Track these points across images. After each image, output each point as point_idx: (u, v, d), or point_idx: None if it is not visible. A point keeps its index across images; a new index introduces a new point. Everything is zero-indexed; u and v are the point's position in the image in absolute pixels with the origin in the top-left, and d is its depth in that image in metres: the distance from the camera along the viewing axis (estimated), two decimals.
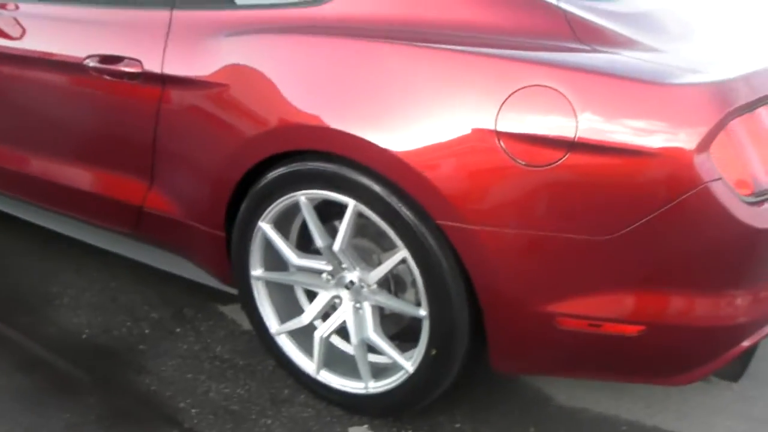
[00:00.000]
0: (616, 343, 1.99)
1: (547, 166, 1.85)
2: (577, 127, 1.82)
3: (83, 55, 2.58)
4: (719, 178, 1.79)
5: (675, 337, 1.97)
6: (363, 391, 2.35)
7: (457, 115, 1.93)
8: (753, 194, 1.86)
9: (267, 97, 2.22)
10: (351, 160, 2.09)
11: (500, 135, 1.88)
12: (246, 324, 2.81)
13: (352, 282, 2.31)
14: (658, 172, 1.79)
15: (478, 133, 1.90)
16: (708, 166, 1.78)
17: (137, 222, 2.71)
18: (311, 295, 2.49)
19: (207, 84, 2.33)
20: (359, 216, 2.17)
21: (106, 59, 2.54)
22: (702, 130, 1.76)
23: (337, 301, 2.37)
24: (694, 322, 1.93)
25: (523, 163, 1.87)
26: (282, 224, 2.37)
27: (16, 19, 2.88)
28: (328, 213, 2.31)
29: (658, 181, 1.80)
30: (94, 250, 3.09)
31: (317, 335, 2.37)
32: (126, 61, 2.49)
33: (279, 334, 2.47)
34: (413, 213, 2.04)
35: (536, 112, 1.86)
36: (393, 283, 2.30)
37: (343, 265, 2.30)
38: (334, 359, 2.45)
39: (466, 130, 1.92)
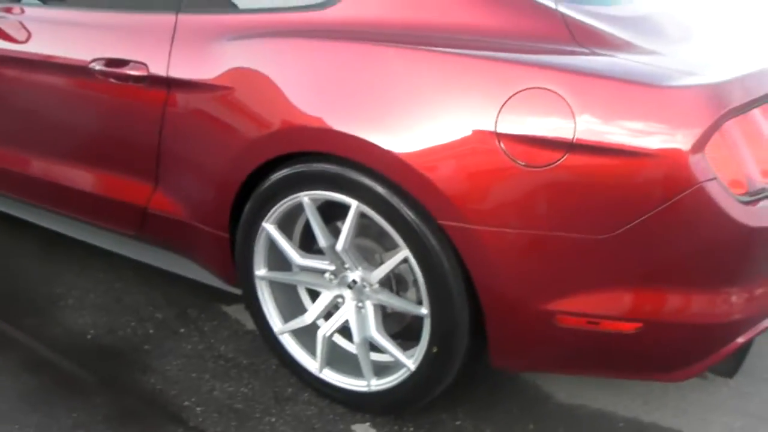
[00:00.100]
0: (614, 340, 2.00)
1: (546, 166, 1.87)
2: (575, 128, 1.84)
3: (89, 58, 2.59)
4: (714, 178, 1.81)
5: (672, 334, 1.98)
6: (365, 389, 2.37)
7: (458, 117, 1.95)
8: (747, 193, 1.88)
9: (271, 100, 2.23)
10: (354, 162, 2.11)
11: (500, 136, 1.90)
12: (249, 324, 2.83)
13: (354, 281, 2.32)
14: (654, 173, 1.81)
15: (479, 135, 1.92)
16: (703, 166, 1.79)
17: (142, 223, 2.73)
18: (314, 295, 2.50)
19: (212, 87, 2.35)
20: (362, 216, 2.18)
21: (112, 62, 2.55)
22: (697, 131, 1.78)
23: (339, 300, 2.38)
24: (691, 319, 1.95)
25: (523, 163, 1.89)
26: (285, 225, 2.39)
27: (22, 23, 2.89)
28: (331, 214, 2.32)
29: (655, 181, 1.81)
30: (98, 251, 3.10)
31: (320, 334, 2.39)
32: (132, 64, 2.51)
33: (282, 333, 2.49)
34: (415, 213, 2.06)
35: (535, 113, 1.88)
36: (395, 283, 2.32)
37: (346, 265, 2.31)
38: (337, 358, 2.46)
39: (467, 132, 1.93)
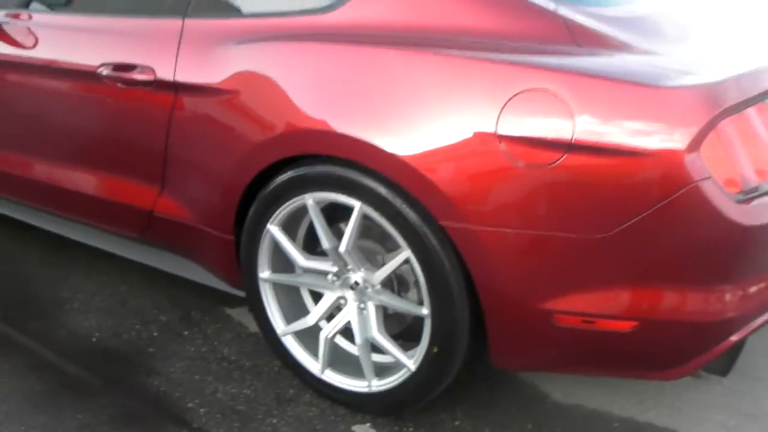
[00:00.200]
0: (610, 338, 2.02)
1: (545, 167, 1.89)
2: (574, 128, 1.86)
3: (97, 63, 2.62)
4: (709, 177, 1.82)
5: (667, 332, 2.00)
6: (366, 390, 2.38)
7: (459, 118, 1.97)
8: (742, 192, 1.90)
9: (276, 103, 2.26)
10: (357, 164, 2.13)
11: (501, 138, 1.92)
12: (252, 326, 2.85)
13: (356, 283, 2.34)
14: (650, 172, 1.82)
15: (480, 137, 1.94)
16: (698, 165, 1.81)
17: (147, 226, 2.75)
18: (316, 297, 2.52)
19: (218, 91, 2.37)
20: (364, 218, 2.21)
21: (119, 67, 2.58)
22: (692, 131, 1.79)
23: (342, 301, 2.40)
24: (686, 317, 1.96)
25: (523, 164, 1.91)
26: (289, 227, 2.41)
27: (30, 29, 2.92)
28: (334, 216, 2.34)
29: (651, 180, 1.83)
30: (103, 254, 3.12)
31: (322, 336, 2.40)
32: (139, 68, 2.53)
33: (285, 335, 2.50)
34: (417, 214, 2.08)
35: (535, 114, 1.90)
36: (396, 284, 2.33)
37: (349, 266, 2.33)
38: (338, 359, 2.48)
39: (469, 134, 1.96)
